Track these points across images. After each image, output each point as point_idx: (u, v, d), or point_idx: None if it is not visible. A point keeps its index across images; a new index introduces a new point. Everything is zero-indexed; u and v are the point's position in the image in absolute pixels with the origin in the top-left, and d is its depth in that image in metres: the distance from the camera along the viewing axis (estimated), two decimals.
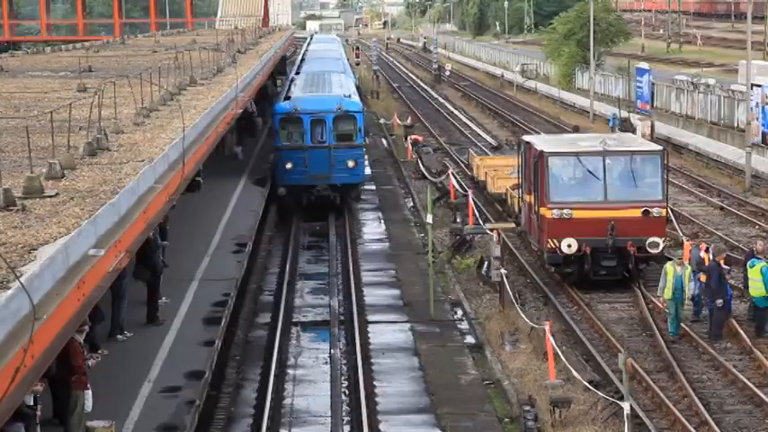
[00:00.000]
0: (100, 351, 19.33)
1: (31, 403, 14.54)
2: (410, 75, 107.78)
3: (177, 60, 31.84)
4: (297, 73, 52.99)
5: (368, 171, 47.18)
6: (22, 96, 27.13)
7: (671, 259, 26.64)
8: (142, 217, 15.83)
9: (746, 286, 25.41)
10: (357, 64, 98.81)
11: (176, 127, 21.28)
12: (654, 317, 26.67)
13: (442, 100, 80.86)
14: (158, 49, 46.84)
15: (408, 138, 55.30)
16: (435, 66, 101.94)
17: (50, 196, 14.57)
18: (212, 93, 28.80)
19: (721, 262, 25.58)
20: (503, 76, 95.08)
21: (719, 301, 24.84)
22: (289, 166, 38.74)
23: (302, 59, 64.62)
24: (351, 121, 39.22)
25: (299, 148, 38.78)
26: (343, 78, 48.54)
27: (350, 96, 40.82)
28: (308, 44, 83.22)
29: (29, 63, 41.01)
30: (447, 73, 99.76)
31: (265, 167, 41.54)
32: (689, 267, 25.63)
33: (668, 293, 25.19)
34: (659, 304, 26.76)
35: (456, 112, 72.91)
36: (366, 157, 45.80)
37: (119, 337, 21.11)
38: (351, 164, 39.02)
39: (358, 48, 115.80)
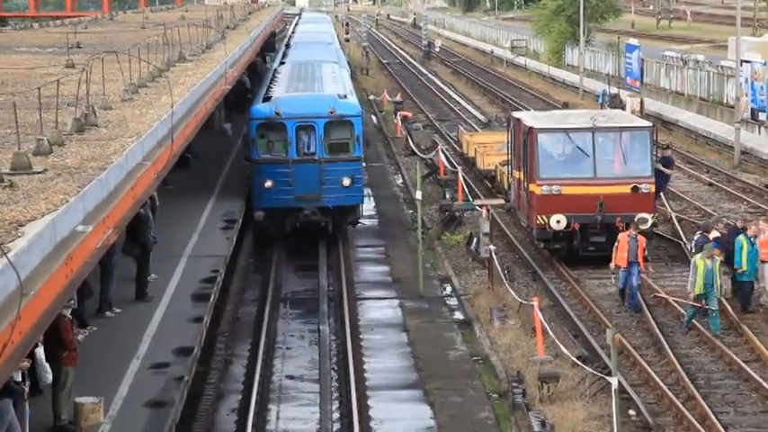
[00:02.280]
0: (88, 327, 19.35)
1: (19, 379, 14.56)
2: (400, 51, 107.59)
3: (166, 36, 31.75)
4: (281, 63, 44.34)
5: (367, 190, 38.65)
6: (9, 72, 27.05)
7: (660, 236, 26.75)
8: (130, 193, 15.82)
9: (729, 263, 25.33)
10: (347, 40, 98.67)
11: (165, 103, 21.25)
12: (642, 292, 26.72)
13: (431, 76, 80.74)
14: (147, 26, 46.70)
15: (398, 114, 55.25)
16: (425, 42, 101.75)
17: (38, 172, 14.55)
18: (201, 69, 28.75)
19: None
20: (492, 52, 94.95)
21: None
22: (268, 184, 31.05)
23: (287, 44, 55.99)
24: (346, 129, 31.65)
25: (282, 161, 31.16)
26: (336, 71, 40.37)
27: (345, 97, 32.89)
28: (296, 25, 75.77)
29: (17, 39, 40.87)
30: (437, 49, 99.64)
31: (238, 187, 33.19)
32: (719, 260, 24.15)
33: (699, 288, 23.78)
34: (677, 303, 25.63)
35: (445, 88, 72.82)
36: (366, 173, 38.21)
37: (107, 313, 21.12)
38: (346, 181, 31.26)
39: (347, 24, 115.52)
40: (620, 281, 25.94)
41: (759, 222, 26.18)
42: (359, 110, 32.42)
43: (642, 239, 25.85)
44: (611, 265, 26.04)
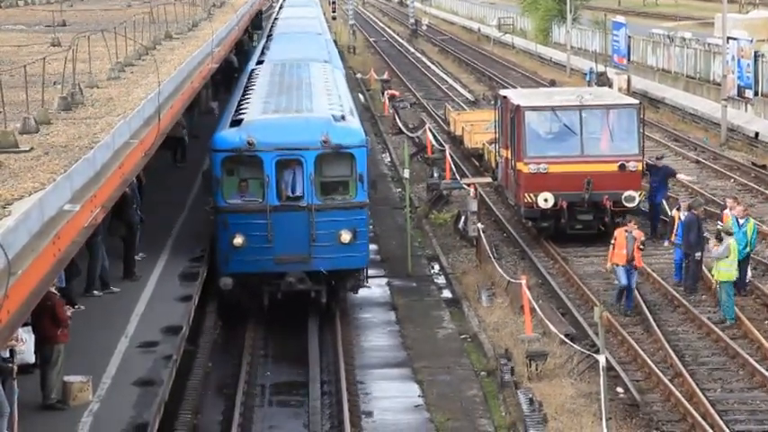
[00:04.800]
0: (76, 306, 19.31)
1: (7, 356, 14.56)
2: (386, 29, 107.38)
3: (152, 15, 31.61)
4: (258, 62, 34.79)
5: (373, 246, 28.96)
6: None
7: (647, 214, 26.75)
8: (118, 172, 15.77)
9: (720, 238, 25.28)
10: (333, 18, 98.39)
11: (151, 82, 21.16)
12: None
13: (418, 54, 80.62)
14: (133, 4, 46.45)
15: (385, 93, 55.17)
16: (412, 20, 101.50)
17: (25, 151, 14.50)
18: (188, 47, 28.63)
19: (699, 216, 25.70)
20: (479, 30, 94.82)
21: (698, 255, 24.94)
22: (238, 241, 22.88)
23: (269, 35, 45.49)
24: (346, 164, 23.33)
25: (257, 209, 23.00)
26: (329, 75, 30.82)
27: (343, 118, 24.09)
28: (280, 8, 63.92)
29: (1, 17, 40.65)
30: (424, 27, 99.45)
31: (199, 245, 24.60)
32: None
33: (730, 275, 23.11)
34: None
35: (433, 66, 72.72)
36: (372, 224, 28.70)
37: (95, 292, 21.10)
38: (345, 236, 23.05)
39: (334, 2, 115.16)
40: (621, 278, 24.05)
41: (728, 202, 26.16)
42: (362, 137, 23.59)
43: (640, 234, 24.42)
44: (608, 264, 24.64)
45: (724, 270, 23.07)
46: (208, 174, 24.70)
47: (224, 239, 23.23)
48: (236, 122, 24.08)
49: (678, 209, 26.17)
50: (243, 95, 27.73)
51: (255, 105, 25.54)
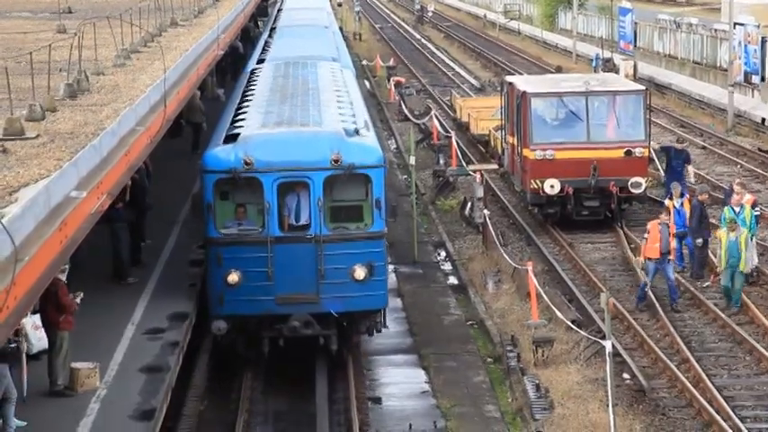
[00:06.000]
0: (77, 293, 19.38)
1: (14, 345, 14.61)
2: (392, 16, 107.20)
3: (158, 1, 31.58)
4: (259, 60, 31.07)
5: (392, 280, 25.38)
6: (0, 38, 26.89)
7: (654, 200, 26.70)
8: (124, 159, 15.79)
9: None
10: (339, 5, 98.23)
11: (157, 68, 21.15)
12: (636, 256, 26.75)
13: (424, 41, 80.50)
14: None
15: (391, 79, 55.10)
16: (418, 6, 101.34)
17: (31, 138, 14.51)
18: (193, 34, 28.61)
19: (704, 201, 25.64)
20: (485, 16, 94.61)
21: (699, 240, 24.90)
22: (233, 278, 19.60)
23: (272, 28, 42.07)
24: (360, 187, 20.06)
25: (256, 241, 19.69)
26: (339, 78, 27.24)
27: (357, 132, 20.74)
28: (282, 1, 57.40)
29: (7, 4, 40.63)
30: (429, 14, 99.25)
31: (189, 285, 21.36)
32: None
33: (723, 263, 22.97)
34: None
35: (438, 53, 72.62)
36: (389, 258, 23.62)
37: (129, 279, 21.17)
38: (359, 273, 19.73)
39: None
40: (649, 275, 23.41)
41: (735, 187, 25.90)
42: (380, 155, 20.37)
43: (673, 226, 23.72)
44: (640, 258, 23.96)
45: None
46: (197, 200, 20.78)
47: (217, 276, 19.68)
48: (232, 137, 20.48)
49: (671, 197, 26.12)
50: (240, 103, 24.07)
51: (254, 116, 21.94)
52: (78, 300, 16.70)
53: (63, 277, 16.44)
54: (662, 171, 29.61)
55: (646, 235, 23.62)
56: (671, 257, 23.54)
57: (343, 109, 22.77)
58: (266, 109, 22.47)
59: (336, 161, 19.61)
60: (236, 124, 21.64)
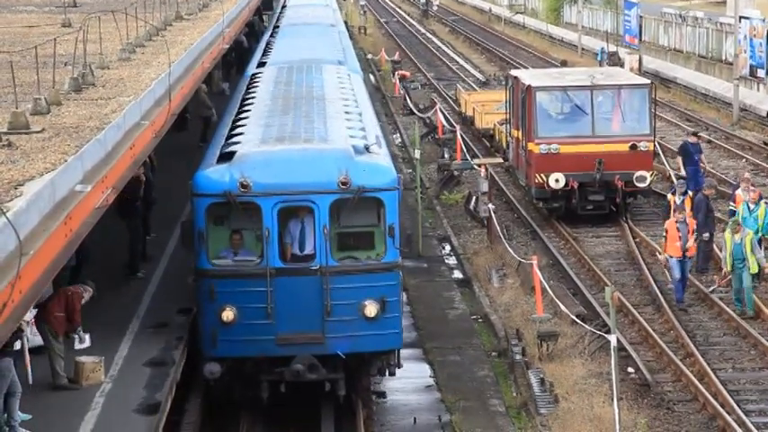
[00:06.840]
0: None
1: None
2: (397, 10, 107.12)
3: None
4: (260, 63, 28.67)
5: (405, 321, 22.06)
6: (5, 32, 26.92)
7: (659, 194, 26.67)
8: (129, 153, 15.79)
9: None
10: None
11: (162, 62, 21.15)
12: (640, 250, 26.76)
13: (429, 35, 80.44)
14: None
15: (396, 73, 55.08)
16: (423, 0, 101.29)
17: (36, 132, 14.52)
18: (198, 28, 28.61)
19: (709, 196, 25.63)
20: (491, 10, 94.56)
21: (706, 235, 24.87)
22: (228, 315, 17.47)
23: (275, 28, 39.01)
24: (371, 211, 18.01)
25: (253, 273, 17.58)
26: (347, 84, 24.84)
27: (367, 149, 18.50)
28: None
29: None
30: (434, 8, 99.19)
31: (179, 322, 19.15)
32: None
33: (729, 266, 22.71)
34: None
35: (443, 47, 72.57)
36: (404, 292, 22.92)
37: (139, 274, 21.26)
38: (370, 309, 17.65)
39: None
40: (675, 271, 23.18)
41: (742, 183, 25.71)
42: (393, 176, 18.19)
43: (692, 222, 23.47)
44: (662, 256, 23.70)
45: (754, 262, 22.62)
46: (187, 227, 18.22)
47: (209, 313, 17.53)
48: (227, 156, 18.19)
49: (673, 192, 26.10)
50: (237, 114, 21.68)
51: (252, 131, 19.53)
52: (87, 296, 16.76)
53: (87, 296, 16.66)
54: (682, 169, 29.50)
55: (665, 234, 23.45)
56: (689, 254, 23.37)
57: (352, 122, 20.48)
58: (266, 122, 20.09)
59: (344, 183, 17.45)
60: (233, 140, 19.22)
